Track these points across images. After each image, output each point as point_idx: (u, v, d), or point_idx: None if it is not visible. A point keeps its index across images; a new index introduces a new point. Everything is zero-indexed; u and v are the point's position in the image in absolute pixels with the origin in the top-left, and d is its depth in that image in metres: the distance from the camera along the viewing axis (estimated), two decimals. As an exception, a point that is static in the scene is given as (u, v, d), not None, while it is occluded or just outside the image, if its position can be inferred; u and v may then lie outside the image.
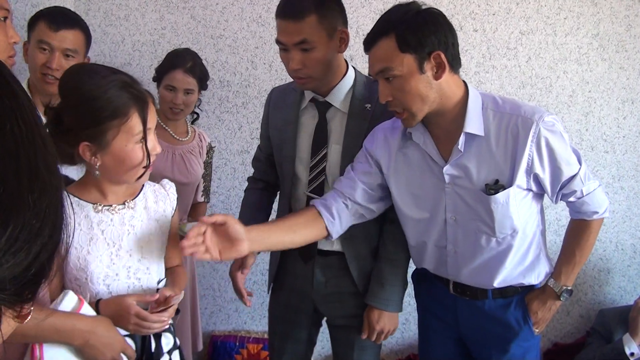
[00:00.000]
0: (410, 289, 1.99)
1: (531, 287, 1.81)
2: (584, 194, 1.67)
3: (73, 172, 1.52)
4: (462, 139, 1.61)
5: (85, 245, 1.43)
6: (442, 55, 1.54)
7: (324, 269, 1.97)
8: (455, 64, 1.60)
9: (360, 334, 1.97)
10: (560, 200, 1.70)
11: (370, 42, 1.62)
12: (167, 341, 1.57)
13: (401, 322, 3.03)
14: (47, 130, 1.33)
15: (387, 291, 1.90)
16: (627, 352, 2.64)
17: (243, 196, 2.17)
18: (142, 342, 1.51)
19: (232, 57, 3.05)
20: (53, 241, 0.51)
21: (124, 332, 1.46)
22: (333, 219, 1.77)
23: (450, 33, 1.58)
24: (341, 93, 1.87)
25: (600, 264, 3.27)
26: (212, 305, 3.32)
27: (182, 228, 1.90)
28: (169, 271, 1.64)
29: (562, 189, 1.65)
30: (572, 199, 1.68)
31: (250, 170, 2.23)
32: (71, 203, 1.42)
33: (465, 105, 1.62)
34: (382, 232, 1.94)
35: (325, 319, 2.12)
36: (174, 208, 1.63)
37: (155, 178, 1.67)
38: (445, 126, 1.66)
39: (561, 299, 1.78)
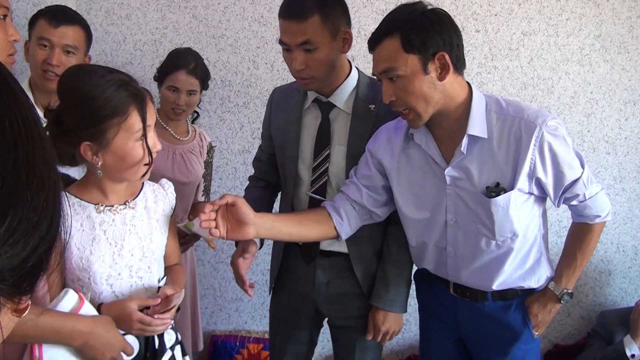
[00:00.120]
0: (411, 289, 1.99)
1: (531, 291, 1.81)
2: (587, 198, 1.66)
3: (74, 172, 1.52)
4: (464, 141, 1.61)
5: (87, 245, 1.43)
6: (447, 57, 1.54)
7: (326, 270, 1.97)
8: (459, 65, 1.60)
9: (362, 335, 1.97)
10: (563, 203, 1.69)
11: (374, 42, 1.61)
12: (170, 337, 1.60)
13: (402, 322, 3.02)
14: (48, 132, 1.35)
15: (392, 292, 1.90)
16: (628, 353, 2.63)
17: (244, 194, 2.17)
18: (146, 339, 1.53)
19: (234, 57, 3.05)
20: (50, 235, 0.52)
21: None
22: (342, 220, 1.79)
23: (455, 34, 1.57)
24: (344, 94, 1.87)
25: (601, 265, 3.26)
26: (213, 305, 3.32)
27: (188, 226, 1.90)
28: (168, 270, 1.66)
29: (565, 192, 1.65)
30: (574, 202, 1.68)
31: (251, 170, 2.23)
32: (73, 204, 1.43)
33: (469, 107, 1.61)
34: (386, 233, 1.95)
35: (326, 319, 2.12)
36: (173, 207, 1.65)
37: (156, 177, 1.68)
38: (448, 127, 1.66)
39: (562, 302, 1.77)
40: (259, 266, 3.25)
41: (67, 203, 1.33)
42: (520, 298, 1.80)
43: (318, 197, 1.89)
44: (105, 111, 1.34)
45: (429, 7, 1.58)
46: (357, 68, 1.93)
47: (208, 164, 2.61)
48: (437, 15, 1.57)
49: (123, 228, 1.49)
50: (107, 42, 3.03)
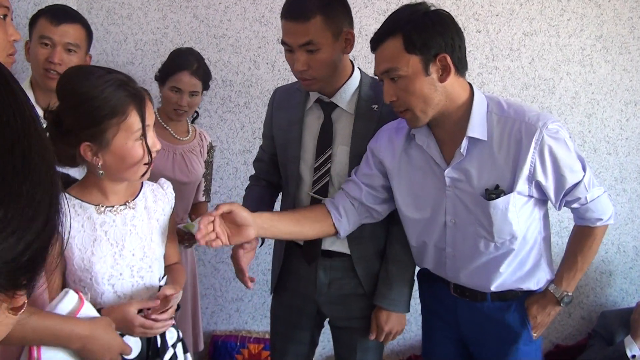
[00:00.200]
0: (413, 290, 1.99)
1: (531, 292, 1.80)
2: (588, 201, 1.65)
3: (74, 172, 1.52)
4: (464, 143, 1.61)
5: (89, 246, 1.44)
6: (448, 58, 1.54)
7: (327, 270, 1.97)
8: (461, 66, 1.59)
9: (364, 335, 1.98)
10: (564, 206, 1.69)
11: (376, 42, 1.61)
12: (171, 335, 1.61)
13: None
14: (48, 134, 1.35)
15: (395, 292, 1.90)
16: (629, 354, 2.63)
17: (244, 194, 2.17)
18: (148, 338, 1.53)
19: (235, 57, 3.05)
20: (47, 232, 0.52)
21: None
22: (340, 217, 1.79)
23: (457, 35, 1.57)
24: (347, 94, 1.87)
25: (602, 266, 3.26)
26: (213, 305, 3.32)
27: (188, 227, 1.90)
28: (168, 269, 1.67)
29: (566, 196, 1.64)
30: (575, 205, 1.67)
31: (252, 170, 2.22)
32: (73, 205, 1.44)
33: (470, 109, 1.61)
34: (389, 233, 1.95)
35: (327, 320, 2.12)
36: (172, 207, 1.66)
37: (156, 177, 1.68)
38: (449, 128, 1.65)
39: (561, 304, 1.77)
40: (259, 266, 3.25)
41: (67, 204, 1.33)
42: (520, 299, 1.80)
43: (319, 197, 1.89)
44: (104, 111, 1.34)
45: (432, 8, 1.58)
46: (359, 68, 1.93)
47: (208, 164, 2.61)
48: (439, 16, 1.57)
49: (124, 228, 1.49)
50: (108, 41, 3.03)
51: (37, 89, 2.05)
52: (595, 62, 3.07)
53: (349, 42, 1.80)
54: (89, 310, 1.39)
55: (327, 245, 1.94)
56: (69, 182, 1.51)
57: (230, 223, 1.63)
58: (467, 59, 1.64)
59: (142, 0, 3.01)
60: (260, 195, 2.09)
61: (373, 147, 1.81)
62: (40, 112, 1.49)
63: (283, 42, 1.75)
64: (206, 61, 2.47)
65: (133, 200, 1.54)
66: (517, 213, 1.63)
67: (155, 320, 1.47)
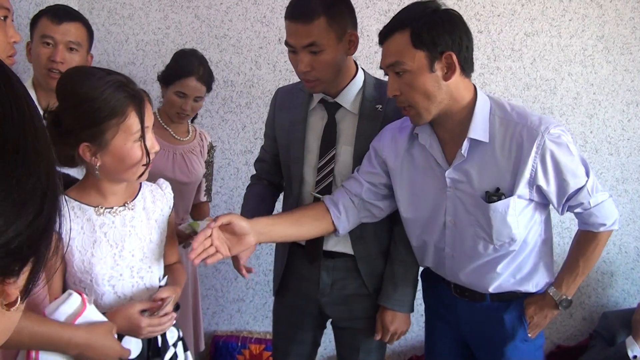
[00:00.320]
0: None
1: (530, 294, 1.80)
2: (592, 206, 1.64)
3: (75, 172, 1.52)
4: (465, 144, 1.60)
5: (89, 248, 1.44)
6: (454, 57, 1.54)
7: (330, 271, 1.97)
8: (467, 67, 1.59)
9: (367, 336, 1.98)
10: (567, 211, 1.68)
11: (385, 35, 1.61)
12: (172, 334, 1.61)
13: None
14: (47, 133, 1.35)
15: (400, 292, 1.91)
16: (630, 355, 2.63)
17: (245, 192, 2.17)
18: (149, 338, 1.54)
19: (236, 57, 3.05)
20: (39, 222, 0.52)
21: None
22: (339, 214, 1.79)
23: (465, 36, 1.57)
24: (351, 94, 1.87)
25: (603, 266, 3.26)
26: (215, 306, 3.32)
27: (192, 225, 1.90)
28: (168, 269, 1.67)
29: (569, 201, 1.63)
30: (579, 210, 1.66)
31: (254, 171, 2.22)
32: (72, 207, 1.44)
33: (473, 110, 1.61)
34: (393, 233, 1.95)
35: (330, 320, 2.12)
36: (171, 207, 1.66)
37: (156, 178, 1.69)
38: (451, 129, 1.65)
39: (559, 308, 1.77)
40: (261, 266, 3.25)
41: (67, 206, 1.33)
42: (520, 300, 1.80)
43: (322, 197, 1.89)
44: (103, 112, 1.35)
45: (443, 7, 1.58)
46: (363, 69, 1.93)
47: (209, 164, 2.61)
48: (449, 15, 1.58)
49: (123, 229, 1.49)
50: (109, 42, 3.04)
51: (39, 89, 2.06)
52: (597, 62, 3.07)
53: (353, 44, 1.79)
54: (91, 313, 1.39)
55: (329, 246, 1.94)
56: (69, 182, 1.51)
57: (229, 234, 1.62)
58: (470, 60, 1.64)
59: (143, 1, 3.01)
60: (261, 194, 2.09)
61: (376, 146, 1.81)
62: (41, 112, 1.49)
63: (287, 43, 1.76)
64: (207, 62, 2.46)
65: (132, 201, 1.54)
66: (517, 216, 1.62)
67: (160, 317, 1.49)
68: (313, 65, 1.73)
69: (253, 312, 3.33)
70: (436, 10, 1.57)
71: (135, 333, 1.47)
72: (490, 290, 1.75)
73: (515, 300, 1.79)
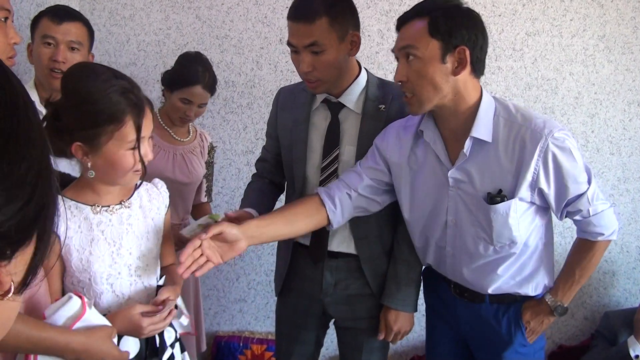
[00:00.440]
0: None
1: (529, 297, 1.79)
2: (591, 215, 1.63)
3: (75, 172, 1.52)
4: (468, 143, 1.60)
5: (86, 246, 1.44)
6: (467, 52, 1.53)
7: (334, 271, 1.97)
8: (477, 67, 1.59)
9: (370, 336, 1.98)
10: (566, 217, 1.67)
11: (403, 21, 1.62)
12: (169, 335, 1.61)
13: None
14: (42, 127, 1.35)
15: (404, 292, 1.91)
16: (632, 354, 2.63)
17: (246, 188, 2.14)
18: (146, 338, 1.53)
19: (237, 58, 3.05)
20: (29, 208, 0.53)
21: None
22: (335, 209, 1.77)
23: (482, 35, 1.57)
24: (354, 94, 1.87)
25: (605, 266, 3.26)
26: (216, 306, 3.32)
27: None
28: (166, 270, 1.66)
29: (567, 206, 1.62)
30: (577, 217, 1.65)
31: (255, 171, 2.22)
32: (69, 206, 1.43)
33: (477, 110, 1.61)
34: (396, 233, 1.95)
35: (333, 320, 2.12)
36: (167, 205, 1.65)
37: (156, 178, 1.68)
38: (454, 128, 1.65)
39: (554, 314, 1.77)
40: (262, 267, 3.25)
41: (63, 206, 1.33)
42: (518, 303, 1.79)
43: (317, 189, 1.88)
44: (102, 116, 1.33)
45: (465, 5, 1.59)
46: (366, 69, 1.93)
47: (209, 164, 2.61)
48: (470, 12, 1.58)
49: (120, 227, 1.49)
50: (110, 42, 3.04)
51: (41, 90, 2.06)
52: (598, 62, 3.07)
53: (355, 45, 1.80)
54: (92, 317, 1.39)
55: (333, 247, 1.94)
56: (68, 181, 1.51)
57: (220, 241, 1.58)
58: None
59: (144, 1, 3.01)
60: (262, 190, 2.08)
61: (379, 145, 1.81)
62: (42, 111, 1.49)
63: (289, 43, 1.76)
64: (212, 66, 2.45)
65: (128, 199, 1.54)
66: (518, 219, 1.62)
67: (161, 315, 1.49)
68: (315, 66, 1.73)
69: (255, 313, 3.33)
70: (458, 6, 1.57)
71: (136, 334, 1.47)
72: (490, 291, 1.75)
73: (514, 303, 1.78)
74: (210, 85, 2.35)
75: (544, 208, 1.67)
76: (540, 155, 1.54)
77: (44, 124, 1.36)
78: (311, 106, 1.93)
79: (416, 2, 1.64)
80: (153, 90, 2.94)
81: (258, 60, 3.06)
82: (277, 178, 2.13)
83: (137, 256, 1.52)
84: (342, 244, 1.94)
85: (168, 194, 1.67)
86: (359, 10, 1.83)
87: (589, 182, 1.60)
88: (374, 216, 1.89)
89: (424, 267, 1.98)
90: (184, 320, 1.67)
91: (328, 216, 1.77)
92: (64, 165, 1.51)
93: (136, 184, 1.57)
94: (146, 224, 1.56)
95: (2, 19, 1.49)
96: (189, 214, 2.55)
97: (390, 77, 2.25)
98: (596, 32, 3.04)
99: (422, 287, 2.01)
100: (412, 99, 1.61)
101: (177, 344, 1.64)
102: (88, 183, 1.46)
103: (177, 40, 3.03)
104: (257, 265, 3.25)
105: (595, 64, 3.07)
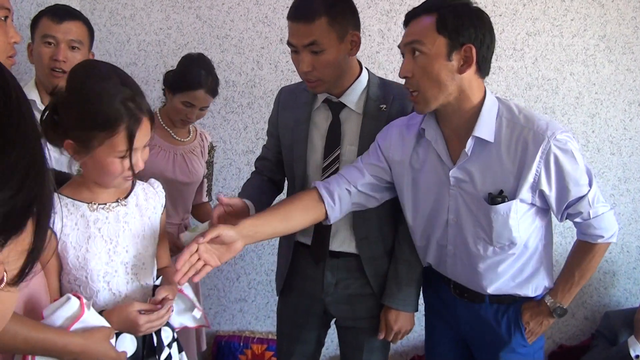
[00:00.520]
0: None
1: (529, 298, 1.79)
2: (591, 217, 1.63)
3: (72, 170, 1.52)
4: (470, 142, 1.60)
5: (83, 244, 1.44)
6: (474, 50, 1.53)
7: (335, 270, 1.97)
8: (483, 67, 1.59)
9: (370, 335, 1.98)
10: (566, 219, 1.68)
11: (411, 16, 1.62)
12: (167, 335, 1.61)
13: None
14: (42, 116, 1.37)
15: (404, 292, 1.91)
16: (633, 354, 2.63)
17: (244, 183, 2.13)
18: (143, 338, 1.53)
19: (238, 57, 3.05)
20: (18, 199, 0.53)
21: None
22: (334, 204, 1.76)
23: (489, 34, 1.57)
24: (355, 94, 1.87)
25: (605, 266, 3.26)
26: (217, 306, 3.32)
27: (195, 230, 1.88)
28: (162, 272, 1.66)
29: (568, 208, 1.62)
30: (577, 219, 1.65)
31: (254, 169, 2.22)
32: (66, 204, 1.44)
33: (480, 110, 1.60)
34: (397, 232, 1.95)
35: (334, 320, 2.12)
36: (163, 205, 1.65)
37: (156, 178, 1.69)
38: (457, 127, 1.65)
39: (553, 316, 1.77)
40: (263, 266, 3.25)
41: (60, 203, 1.33)
42: (518, 304, 1.79)
43: (315, 184, 1.88)
44: (96, 121, 1.33)
45: (475, 5, 1.59)
46: (367, 69, 1.93)
47: (210, 164, 2.61)
48: (479, 11, 1.58)
49: (117, 225, 1.49)
50: (111, 42, 3.04)
51: (42, 90, 2.06)
52: (599, 62, 3.07)
53: (355, 45, 1.80)
54: (90, 318, 1.38)
55: (335, 246, 1.94)
56: (64, 180, 1.51)
57: (217, 244, 1.57)
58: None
59: (145, 1, 3.01)
60: (259, 185, 2.07)
61: (382, 143, 1.80)
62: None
63: (289, 43, 1.76)
64: (214, 68, 2.45)
65: (125, 197, 1.54)
66: (519, 220, 1.62)
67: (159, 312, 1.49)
68: (314, 65, 1.73)
69: (255, 312, 3.33)
70: (467, 4, 1.57)
71: (133, 331, 1.47)
72: (489, 291, 1.75)
73: (513, 304, 1.79)
74: (213, 88, 2.34)
75: (544, 209, 1.67)
76: (542, 157, 1.54)
77: (45, 114, 1.37)
78: (312, 106, 1.93)
79: (417, 2, 1.64)
80: (153, 90, 2.94)
81: (258, 60, 3.06)
82: (277, 176, 2.12)
83: (134, 254, 1.52)
84: (343, 243, 1.94)
85: (164, 193, 1.67)
86: (359, 10, 1.83)
87: (590, 185, 1.60)
88: (375, 216, 1.89)
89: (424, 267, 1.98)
90: (197, 313, 1.68)
91: (326, 211, 1.76)
92: (61, 164, 1.50)
93: (133, 183, 1.57)
94: (142, 222, 1.56)
95: (2, 18, 1.49)
96: (189, 214, 2.55)
97: (391, 77, 2.25)
98: (597, 32, 3.04)
99: (422, 287, 2.01)
100: (417, 97, 1.61)
101: (175, 344, 1.64)
102: (85, 181, 1.47)
103: (177, 40, 3.03)
104: (257, 265, 3.25)
105: (596, 64, 3.07)
